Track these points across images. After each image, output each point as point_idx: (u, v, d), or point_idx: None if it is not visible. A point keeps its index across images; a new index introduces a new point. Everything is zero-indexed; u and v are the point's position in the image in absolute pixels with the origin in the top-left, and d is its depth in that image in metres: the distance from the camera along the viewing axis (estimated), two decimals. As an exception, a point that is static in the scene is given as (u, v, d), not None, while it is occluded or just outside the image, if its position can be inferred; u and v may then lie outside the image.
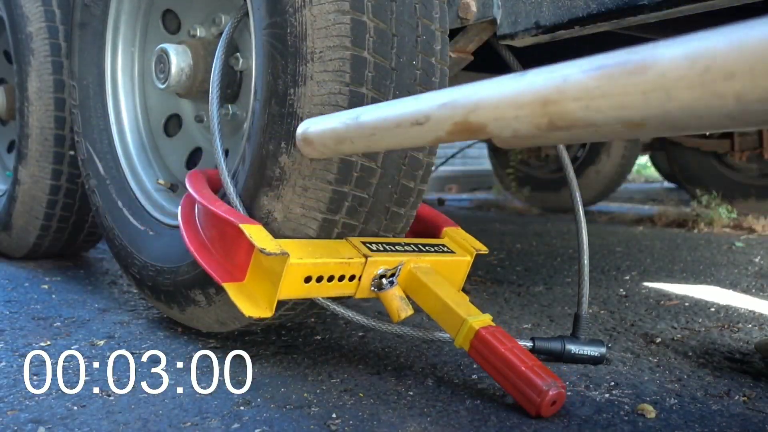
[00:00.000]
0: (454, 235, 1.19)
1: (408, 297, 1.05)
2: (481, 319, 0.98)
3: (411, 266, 1.05)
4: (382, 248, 1.04)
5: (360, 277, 1.01)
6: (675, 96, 0.38)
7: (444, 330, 1.02)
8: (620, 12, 0.95)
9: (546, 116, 0.45)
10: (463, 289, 1.72)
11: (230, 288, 0.97)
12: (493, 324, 0.98)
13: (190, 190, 1.11)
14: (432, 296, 1.01)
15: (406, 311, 1.00)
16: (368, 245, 1.03)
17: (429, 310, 1.02)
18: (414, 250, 1.08)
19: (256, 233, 0.95)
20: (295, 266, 0.93)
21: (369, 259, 1.00)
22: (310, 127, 0.85)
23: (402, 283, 1.04)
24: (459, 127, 0.52)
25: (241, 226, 0.95)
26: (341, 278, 1.00)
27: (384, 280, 1.02)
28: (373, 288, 1.03)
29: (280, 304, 1.03)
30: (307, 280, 0.96)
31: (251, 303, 0.97)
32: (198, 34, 1.37)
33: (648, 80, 0.39)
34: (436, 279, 1.05)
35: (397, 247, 1.07)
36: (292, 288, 0.96)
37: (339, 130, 0.75)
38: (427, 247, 1.11)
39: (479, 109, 0.50)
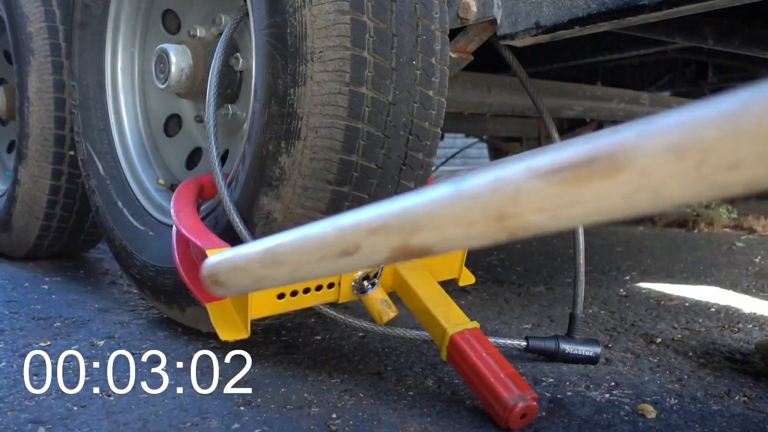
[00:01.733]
0: None
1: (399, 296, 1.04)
2: (460, 324, 0.95)
3: (396, 263, 1.03)
4: None
5: (339, 283, 1.00)
6: (666, 194, 0.31)
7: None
8: (620, 12, 0.95)
9: (505, 231, 0.38)
10: (463, 290, 1.72)
11: (212, 309, 0.98)
12: (471, 327, 0.95)
13: (171, 209, 1.11)
14: (415, 298, 1.00)
15: (389, 314, 0.98)
16: None
17: (414, 313, 1.01)
18: None
19: None
20: None
21: None
22: (219, 267, 0.70)
23: (389, 282, 1.03)
24: (400, 252, 0.44)
25: (208, 252, 0.95)
26: (319, 288, 0.99)
27: (366, 283, 1.00)
28: (355, 291, 1.02)
29: None
30: (281, 296, 0.96)
31: (229, 326, 0.97)
32: (198, 34, 1.37)
33: (627, 181, 0.32)
34: (420, 277, 1.02)
35: None
36: (265, 307, 0.96)
37: (253, 268, 0.62)
38: None
39: (420, 231, 0.41)
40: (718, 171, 0.29)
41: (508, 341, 1.13)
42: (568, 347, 1.13)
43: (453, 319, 0.96)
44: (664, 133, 0.31)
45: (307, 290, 0.98)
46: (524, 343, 1.13)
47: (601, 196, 0.33)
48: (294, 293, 0.97)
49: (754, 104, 0.29)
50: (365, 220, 0.46)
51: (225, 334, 0.96)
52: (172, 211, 1.10)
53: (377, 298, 0.99)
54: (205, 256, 0.98)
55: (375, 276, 1.01)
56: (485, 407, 0.89)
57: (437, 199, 0.41)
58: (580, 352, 1.13)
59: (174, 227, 1.10)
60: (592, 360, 1.14)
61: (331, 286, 1.00)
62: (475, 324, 0.96)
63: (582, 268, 1.17)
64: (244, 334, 0.97)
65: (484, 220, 0.38)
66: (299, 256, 0.53)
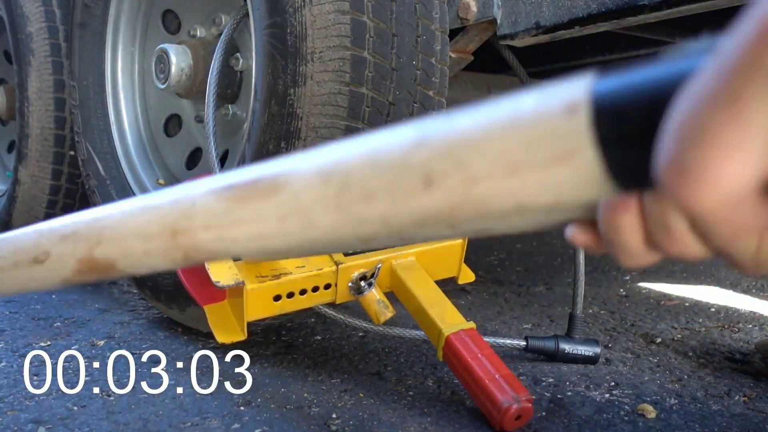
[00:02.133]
0: None
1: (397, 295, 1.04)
2: (456, 324, 0.94)
3: (393, 263, 1.03)
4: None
5: (336, 283, 1.00)
6: (315, 222, 0.31)
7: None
8: (620, 12, 0.95)
9: (179, 249, 0.36)
10: (463, 289, 1.72)
11: (209, 312, 0.98)
12: (467, 328, 0.94)
13: None
14: (411, 298, 0.99)
15: (385, 314, 0.98)
16: None
17: (411, 313, 1.01)
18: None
19: (214, 264, 0.94)
20: (255, 291, 0.93)
21: (341, 266, 0.99)
22: None
23: (386, 281, 1.03)
24: (85, 266, 0.40)
25: None
26: (315, 289, 0.99)
27: (363, 283, 1.00)
28: (352, 292, 1.01)
29: None
30: (277, 298, 0.96)
31: (226, 328, 0.98)
32: (198, 34, 1.37)
33: (282, 203, 0.32)
34: (417, 276, 1.02)
35: None
36: (261, 309, 0.96)
37: None
38: None
39: (104, 243, 0.38)
40: (355, 200, 0.30)
41: (508, 341, 1.12)
42: (567, 347, 1.13)
43: (449, 319, 0.95)
44: (321, 157, 0.31)
45: (303, 291, 0.98)
46: (524, 343, 1.13)
47: (260, 216, 0.32)
48: (290, 295, 0.97)
49: (393, 138, 0.29)
50: (61, 226, 0.42)
51: (222, 337, 0.97)
52: None
53: (374, 298, 0.99)
54: None
55: (372, 276, 1.01)
56: (480, 408, 0.89)
57: (126, 210, 0.38)
58: (579, 352, 1.13)
59: None
60: (591, 360, 1.13)
61: (327, 287, 1.00)
62: (471, 324, 0.95)
63: (582, 268, 1.17)
64: (240, 337, 0.97)
65: (160, 234, 0.36)
66: None
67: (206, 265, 0.93)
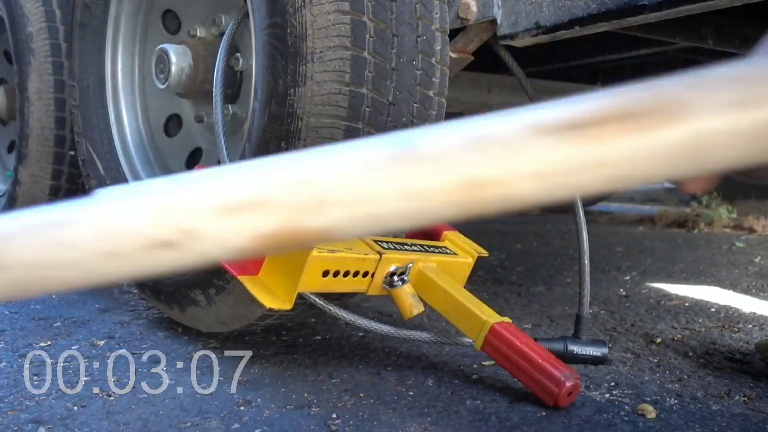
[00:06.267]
0: (454, 238, 1.20)
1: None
2: (495, 317, 1.00)
3: (420, 265, 1.06)
4: (392, 247, 1.05)
5: (373, 274, 1.02)
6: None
7: (461, 331, 1.03)
8: (620, 12, 0.95)
9: (470, 204, 0.29)
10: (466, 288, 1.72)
11: (247, 281, 0.97)
12: (506, 321, 1.00)
13: None
14: (447, 296, 1.03)
15: (418, 308, 1.02)
16: (380, 243, 1.05)
17: (441, 309, 1.04)
18: (421, 250, 1.09)
19: None
20: (317, 259, 0.94)
21: (383, 256, 1.01)
22: None
23: (411, 281, 1.05)
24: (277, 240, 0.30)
25: None
26: (356, 274, 1.01)
27: (395, 278, 1.03)
28: (385, 285, 1.04)
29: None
30: (325, 274, 0.97)
31: (270, 295, 0.97)
32: (198, 34, 1.37)
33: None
34: (446, 279, 1.06)
35: (405, 246, 1.08)
36: (310, 281, 0.96)
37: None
38: (432, 248, 1.12)
39: (326, 208, 0.29)
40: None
41: (513, 341, 1.13)
42: (576, 348, 1.14)
43: (488, 312, 1.01)
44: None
45: (347, 273, 0.99)
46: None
47: (629, 155, 0.28)
48: (336, 273, 0.98)
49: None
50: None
51: (269, 302, 0.94)
52: None
53: (408, 292, 1.03)
54: None
55: (403, 273, 1.04)
56: (532, 388, 0.94)
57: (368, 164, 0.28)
58: (587, 353, 1.14)
59: None
60: (599, 360, 1.14)
61: (366, 274, 1.02)
62: (507, 319, 1.01)
63: (587, 269, 1.17)
64: (287, 305, 0.95)
65: (445, 189, 0.29)
66: None
67: None
